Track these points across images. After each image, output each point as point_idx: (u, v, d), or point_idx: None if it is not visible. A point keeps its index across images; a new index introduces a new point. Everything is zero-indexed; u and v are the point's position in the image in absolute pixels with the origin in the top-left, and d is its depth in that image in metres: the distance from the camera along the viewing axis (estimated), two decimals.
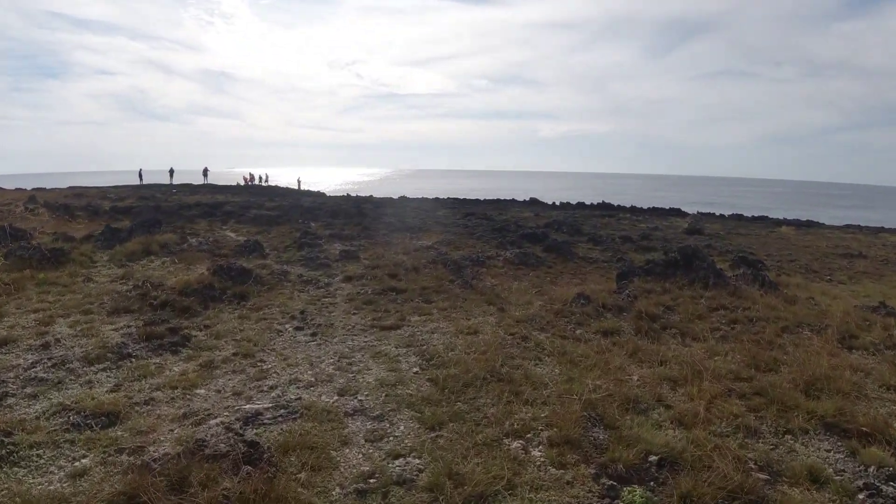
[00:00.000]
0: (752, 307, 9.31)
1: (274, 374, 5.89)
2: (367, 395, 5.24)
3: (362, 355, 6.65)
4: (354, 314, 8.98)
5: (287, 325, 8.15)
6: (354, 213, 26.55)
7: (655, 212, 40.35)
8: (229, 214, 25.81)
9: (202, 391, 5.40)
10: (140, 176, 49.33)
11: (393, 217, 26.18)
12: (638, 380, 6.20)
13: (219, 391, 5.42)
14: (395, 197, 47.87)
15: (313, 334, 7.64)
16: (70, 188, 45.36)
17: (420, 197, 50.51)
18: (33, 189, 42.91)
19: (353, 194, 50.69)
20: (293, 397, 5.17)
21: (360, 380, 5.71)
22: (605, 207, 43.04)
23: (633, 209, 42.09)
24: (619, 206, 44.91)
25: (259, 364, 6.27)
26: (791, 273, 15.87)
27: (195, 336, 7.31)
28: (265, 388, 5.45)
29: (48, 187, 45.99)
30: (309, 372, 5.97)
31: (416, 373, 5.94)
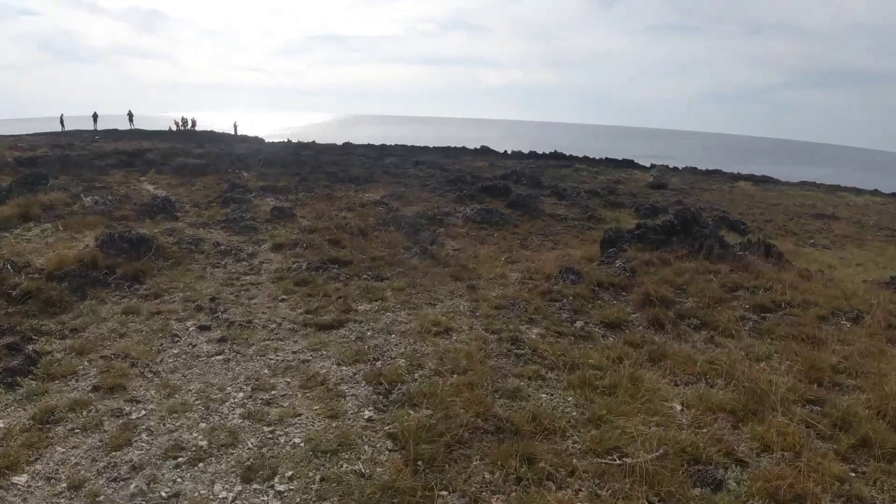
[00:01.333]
0: (775, 287, 7.70)
1: (145, 434, 3.70)
2: (289, 483, 3.18)
3: (288, 382, 4.54)
4: (283, 301, 6.82)
5: (189, 324, 5.92)
6: (292, 161, 23.75)
7: (611, 163, 38.93)
8: (150, 164, 22.57)
9: (22, 480, 3.23)
10: (61, 122, 43.97)
11: (335, 166, 23.56)
12: (682, 409, 4.43)
13: (49, 479, 3.25)
14: (339, 143, 44.65)
15: (221, 340, 5.46)
16: None
17: (366, 143, 47.39)
18: None
19: (294, 140, 47.06)
20: (165, 494, 3.06)
21: (281, 441, 3.63)
22: (558, 157, 41.32)
23: (587, 160, 40.60)
24: (571, 155, 43.33)
25: (128, 408, 4.09)
26: (774, 236, 14.64)
27: (49, 352, 5.01)
28: (123, 471, 3.30)
29: None
30: (202, 424, 3.83)
31: (368, 421, 3.90)
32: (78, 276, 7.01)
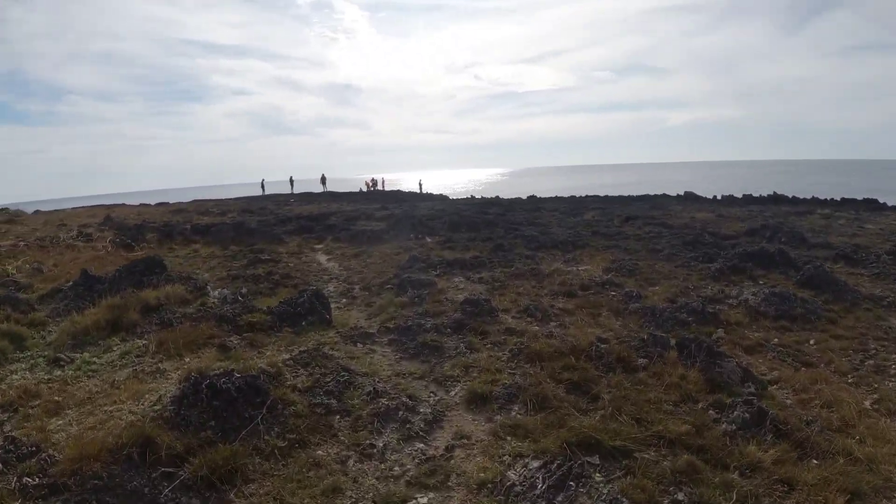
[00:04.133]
0: None
1: None
2: None
3: None
4: None
5: None
6: (480, 222, 20.30)
7: (851, 203, 29.48)
8: (330, 229, 20.78)
9: None
10: (262, 186, 47.09)
11: (531, 227, 19.58)
12: None
13: None
14: (524, 197, 41.14)
15: None
16: (193, 201, 43.80)
17: (553, 196, 43.26)
18: (158, 204, 41.61)
19: (478, 196, 44.79)
20: None
21: None
22: (785, 201, 32.72)
23: (820, 201, 31.58)
24: (796, 197, 34.19)
25: None
26: None
27: None
28: None
29: (182, 200, 44.99)
30: None
31: None
32: (104, 488, 3.52)
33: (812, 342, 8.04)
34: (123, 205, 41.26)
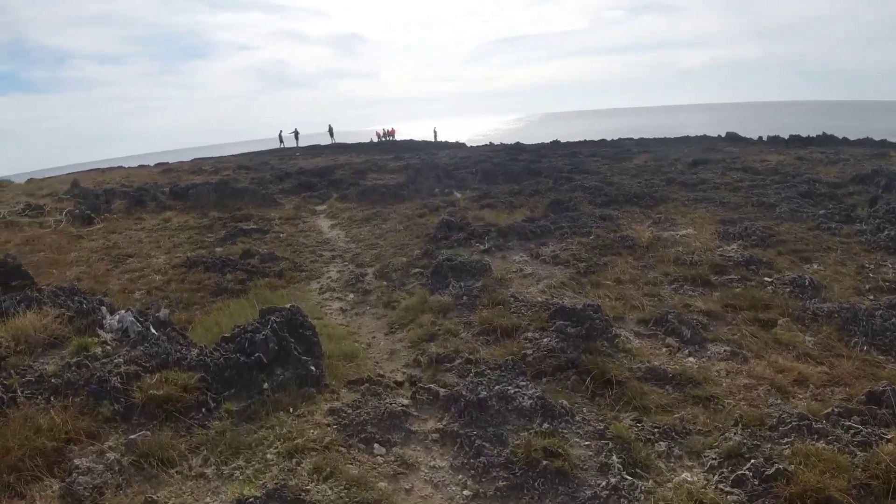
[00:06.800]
0: None
1: None
2: None
3: None
4: None
5: None
6: (521, 172, 16.38)
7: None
8: (335, 185, 17.11)
9: None
10: (281, 139, 43.08)
11: (582, 174, 15.65)
12: None
13: None
14: (547, 143, 36.70)
15: None
16: (193, 160, 39.91)
17: (581, 140, 38.74)
18: (157, 164, 37.81)
19: (497, 143, 40.36)
20: None
21: None
22: (833, 141, 27.39)
23: (872, 142, 26.63)
24: (846, 138, 28.99)
25: None
26: None
27: None
28: None
29: (184, 160, 41.19)
30: None
31: None
32: None
33: None
34: (120, 167, 37.73)
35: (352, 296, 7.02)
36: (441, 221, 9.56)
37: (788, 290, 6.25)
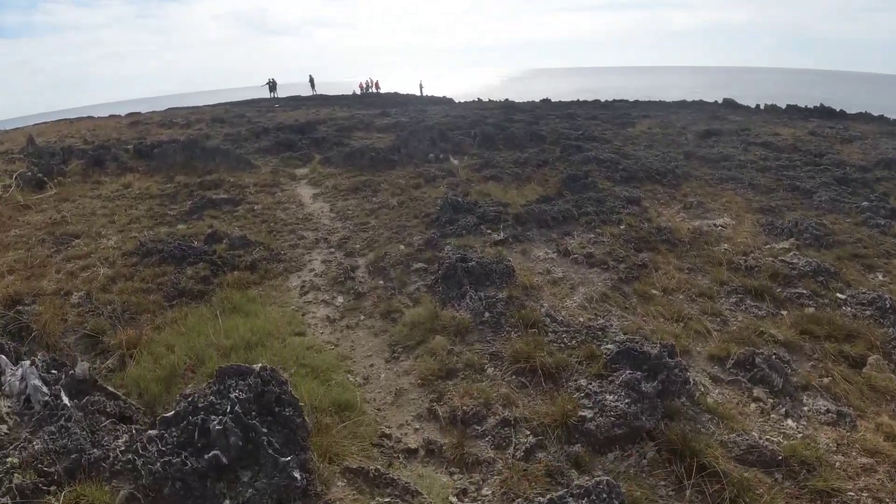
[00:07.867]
0: None
1: None
2: None
3: None
4: None
5: None
6: (523, 136, 14.95)
7: None
8: (318, 144, 15.54)
9: None
10: (270, 88, 39.35)
11: (593, 142, 14.29)
12: None
13: None
14: (537, 101, 34.89)
15: None
16: (166, 110, 37.25)
17: (575, 100, 36.98)
18: (129, 115, 35.09)
19: (485, 99, 38.40)
20: None
21: None
22: (831, 114, 26.09)
23: (871, 117, 25.45)
24: (843, 111, 27.48)
25: None
26: None
27: None
28: None
29: (158, 109, 38.32)
30: None
31: None
32: None
33: None
34: (90, 118, 35.01)
35: (341, 299, 5.75)
36: (445, 201, 8.23)
37: (868, 312, 5.15)
